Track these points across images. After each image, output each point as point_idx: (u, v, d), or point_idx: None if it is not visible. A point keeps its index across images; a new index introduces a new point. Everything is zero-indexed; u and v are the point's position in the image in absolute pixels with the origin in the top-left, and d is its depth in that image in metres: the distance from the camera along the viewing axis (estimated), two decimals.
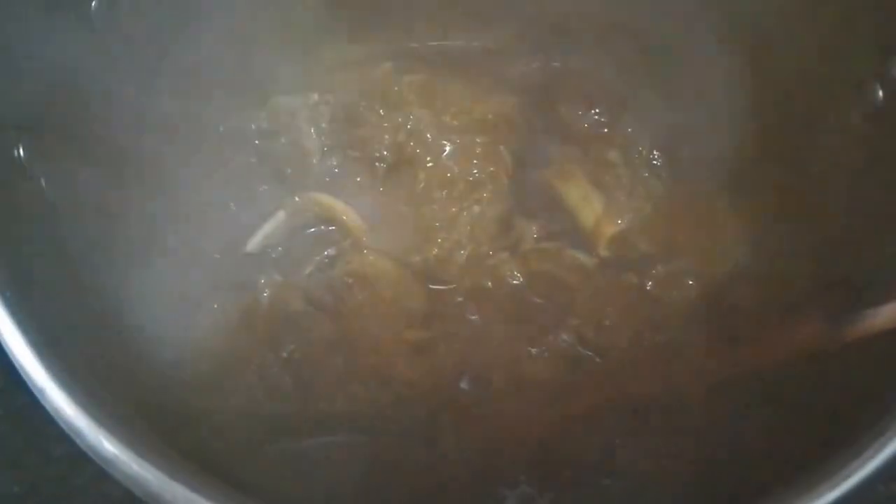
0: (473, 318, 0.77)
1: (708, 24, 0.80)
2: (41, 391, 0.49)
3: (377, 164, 0.83)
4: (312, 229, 0.81)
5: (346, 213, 0.80)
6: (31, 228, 0.60)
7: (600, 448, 0.69)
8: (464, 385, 0.73)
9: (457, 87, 0.87)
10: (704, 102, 0.81)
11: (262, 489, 0.52)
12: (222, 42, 0.80)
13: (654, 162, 0.84)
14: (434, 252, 0.79)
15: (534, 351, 0.74)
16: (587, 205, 0.81)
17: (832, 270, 0.67)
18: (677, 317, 0.75)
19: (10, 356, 0.50)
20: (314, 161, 0.83)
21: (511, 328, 0.76)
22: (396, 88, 0.87)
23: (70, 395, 0.49)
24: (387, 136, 0.84)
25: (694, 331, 0.74)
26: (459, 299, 0.78)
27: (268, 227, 0.80)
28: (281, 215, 0.80)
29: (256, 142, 0.84)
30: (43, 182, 0.63)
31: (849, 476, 0.48)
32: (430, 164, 0.82)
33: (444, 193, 0.81)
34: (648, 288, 0.77)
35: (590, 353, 0.74)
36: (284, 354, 0.73)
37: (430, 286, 0.78)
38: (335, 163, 0.83)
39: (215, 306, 0.74)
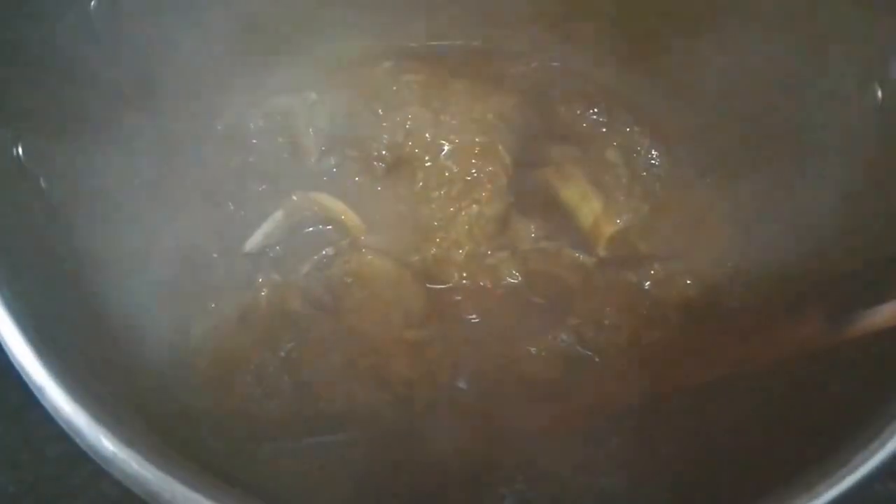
0: (472, 317, 0.77)
1: (707, 24, 0.80)
2: (40, 390, 0.49)
3: (375, 163, 0.83)
4: (310, 229, 0.81)
5: (345, 212, 0.80)
6: (30, 227, 0.60)
7: (597, 447, 0.69)
8: (462, 384, 0.73)
9: (455, 86, 0.87)
10: (703, 103, 0.82)
11: (261, 488, 0.52)
12: (221, 42, 0.80)
13: (653, 162, 0.84)
14: (432, 251, 0.79)
15: (532, 350, 0.74)
16: (586, 204, 0.81)
17: (831, 270, 0.67)
18: (676, 316, 0.75)
19: (9, 355, 0.50)
20: (312, 161, 0.83)
21: (510, 328, 0.76)
22: (395, 88, 0.87)
23: (69, 394, 0.49)
24: (385, 136, 0.84)
25: (692, 330, 0.74)
26: (458, 299, 0.78)
27: (266, 227, 0.80)
28: (279, 215, 0.80)
29: (255, 141, 0.84)
30: (42, 181, 0.63)
31: (847, 475, 0.48)
32: (428, 164, 0.82)
33: (442, 193, 0.81)
34: (647, 287, 0.77)
35: (588, 353, 0.74)
36: (283, 354, 0.73)
37: (429, 286, 0.78)
38: (333, 162, 0.84)
39: (213, 305, 0.74)
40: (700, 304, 0.76)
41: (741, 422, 0.66)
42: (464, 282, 0.78)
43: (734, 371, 0.62)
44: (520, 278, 0.78)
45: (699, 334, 0.73)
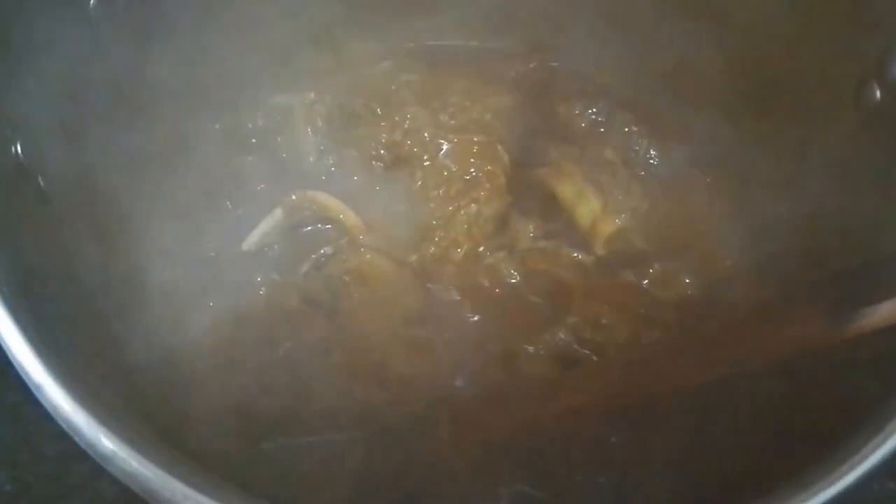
0: (470, 316, 0.77)
1: (707, 25, 0.80)
2: (39, 388, 0.49)
3: (374, 162, 0.83)
4: (309, 228, 0.81)
5: (343, 211, 0.80)
6: (29, 226, 0.60)
7: (597, 446, 0.69)
8: (460, 383, 0.73)
9: (454, 86, 0.87)
10: (701, 102, 0.82)
11: (259, 486, 0.52)
12: (219, 41, 0.80)
13: (651, 161, 0.84)
14: (431, 251, 0.79)
15: (531, 349, 0.74)
16: (584, 203, 0.81)
17: (830, 268, 0.67)
18: (674, 315, 0.75)
19: (8, 353, 0.50)
20: (311, 160, 0.84)
21: (507, 326, 0.76)
22: (394, 87, 0.87)
23: (68, 392, 0.49)
24: (384, 135, 0.84)
25: (691, 330, 0.74)
26: (456, 298, 0.78)
27: (264, 226, 0.80)
28: (278, 214, 0.80)
29: (253, 140, 0.84)
30: (40, 180, 0.63)
31: (847, 473, 0.48)
32: (427, 163, 0.82)
33: (441, 192, 0.81)
34: (645, 286, 0.77)
35: (587, 352, 0.74)
36: (281, 352, 0.73)
37: (427, 285, 0.78)
38: (332, 161, 0.84)
39: (212, 304, 0.74)
40: (698, 304, 0.76)
41: (740, 421, 0.66)
42: (462, 281, 0.78)
43: (733, 370, 0.62)
44: (518, 277, 0.78)
45: (698, 334, 0.74)
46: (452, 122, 0.84)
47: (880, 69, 0.66)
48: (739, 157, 0.80)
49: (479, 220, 0.80)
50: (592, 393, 0.69)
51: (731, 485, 0.58)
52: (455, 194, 0.81)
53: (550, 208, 0.83)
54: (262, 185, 0.82)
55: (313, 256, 0.79)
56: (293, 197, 0.80)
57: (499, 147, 0.83)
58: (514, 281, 0.78)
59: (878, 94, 0.66)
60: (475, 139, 0.83)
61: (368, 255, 0.78)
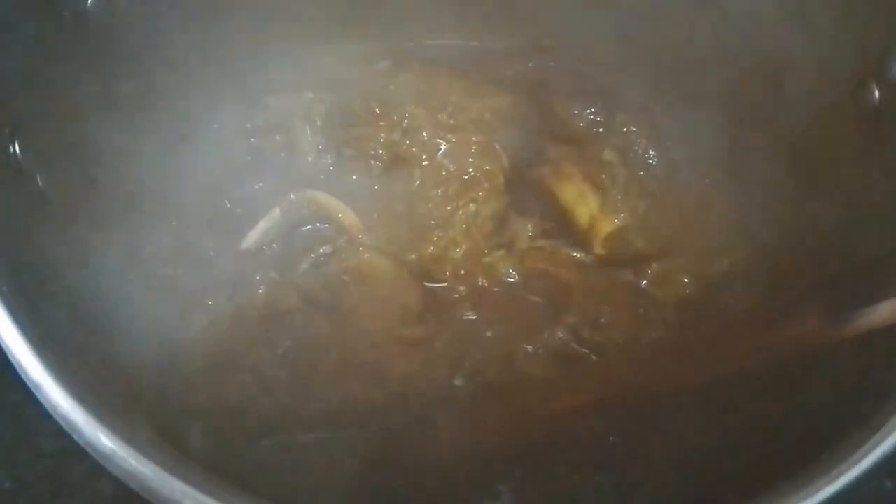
0: (469, 315, 0.77)
1: (706, 25, 0.80)
2: (37, 386, 0.49)
3: (373, 162, 0.83)
4: (308, 227, 0.81)
5: (342, 210, 0.80)
6: (27, 225, 0.60)
7: (596, 446, 0.69)
8: (459, 382, 0.73)
9: (453, 85, 0.87)
10: (700, 102, 0.82)
11: (258, 484, 0.52)
12: (218, 40, 0.80)
13: (650, 161, 0.84)
14: (430, 250, 0.79)
15: (529, 348, 0.74)
16: (583, 203, 0.81)
17: (828, 268, 0.67)
18: (673, 314, 0.75)
19: (7, 352, 0.50)
20: (309, 159, 0.83)
21: (506, 326, 0.76)
22: (392, 87, 0.87)
23: (67, 391, 0.49)
24: (382, 135, 0.84)
25: (690, 328, 0.74)
26: (455, 297, 0.78)
27: (263, 225, 0.80)
28: (276, 213, 0.80)
29: (252, 139, 0.84)
30: (38, 179, 0.63)
31: (844, 473, 0.48)
32: (425, 163, 0.82)
33: (439, 191, 0.81)
34: (644, 286, 0.77)
35: (585, 351, 0.74)
36: (280, 351, 0.73)
37: (426, 284, 0.79)
38: (330, 161, 0.83)
39: (210, 303, 0.74)
40: (697, 303, 0.76)
41: (737, 419, 0.66)
42: (461, 280, 0.79)
43: (730, 369, 0.62)
44: (517, 277, 0.79)
45: (696, 333, 0.74)
46: (451, 121, 0.84)
47: (880, 69, 0.66)
48: (738, 157, 0.80)
49: (477, 219, 0.80)
50: (591, 392, 0.69)
51: (731, 484, 0.58)
52: (454, 194, 0.81)
53: (549, 208, 0.83)
54: (261, 185, 0.82)
55: (312, 256, 0.78)
56: (292, 196, 0.80)
57: (497, 147, 0.83)
58: (512, 280, 0.78)
59: (877, 94, 0.66)
60: (474, 139, 0.83)
61: (367, 255, 0.78)
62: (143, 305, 0.67)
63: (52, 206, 0.64)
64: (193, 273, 0.75)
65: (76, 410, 0.48)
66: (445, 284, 0.78)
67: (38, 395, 0.49)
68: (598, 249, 0.80)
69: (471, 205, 0.80)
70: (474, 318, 0.77)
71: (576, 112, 0.87)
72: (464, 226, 0.80)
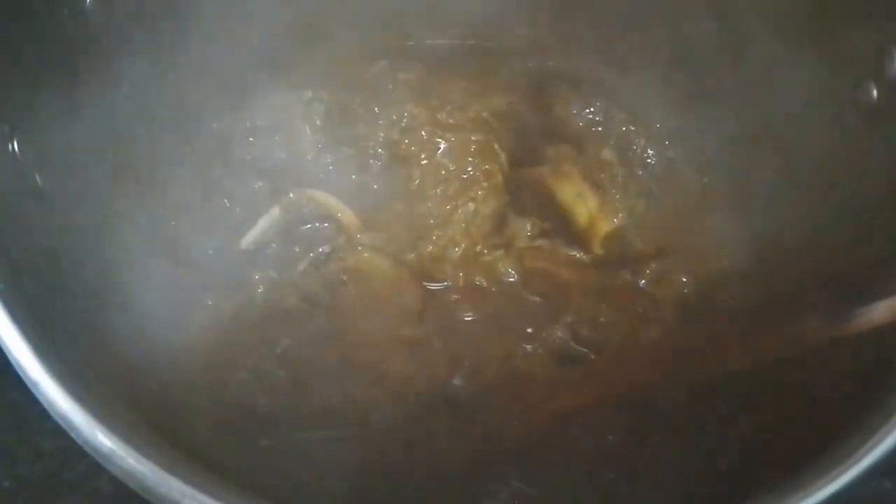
0: (468, 315, 0.77)
1: (705, 25, 0.80)
2: (36, 385, 0.49)
3: (372, 161, 0.83)
4: (307, 226, 0.81)
5: (341, 210, 0.80)
6: (26, 223, 0.60)
7: (593, 444, 0.69)
8: (457, 381, 0.73)
9: (452, 85, 0.87)
10: (699, 102, 0.82)
11: (257, 483, 0.52)
12: (217, 40, 0.80)
13: (649, 161, 0.84)
14: (429, 249, 0.79)
15: (528, 348, 0.74)
16: (582, 203, 0.81)
17: (827, 267, 0.67)
18: (671, 314, 0.75)
19: (6, 351, 0.50)
20: (309, 158, 0.83)
21: (505, 325, 0.76)
22: (391, 86, 0.87)
23: (65, 390, 0.49)
24: (381, 134, 0.84)
25: (688, 327, 0.74)
26: (454, 296, 0.78)
27: (262, 224, 0.80)
28: (275, 212, 0.80)
29: (251, 139, 0.84)
30: (38, 177, 0.63)
31: (844, 472, 0.48)
32: (424, 162, 0.82)
33: (438, 191, 0.81)
34: (642, 285, 0.77)
35: (584, 350, 0.74)
36: (279, 350, 0.73)
37: (425, 283, 0.79)
38: (330, 160, 0.83)
39: (210, 303, 0.74)
40: (696, 303, 0.76)
41: (736, 418, 0.66)
42: (460, 280, 0.79)
43: (729, 368, 0.62)
44: (516, 276, 0.79)
45: (695, 332, 0.74)
46: (450, 120, 0.84)
47: (878, 69, 0.66)
48: (737, 156, 0.80)
49: (476, 218, 0.80)
50: (590, 391, 0.69)
51: (730, 484, 0.58)
52: (452, 193, 0.81)
53: (548, 207, 0.83)
54: (260, 184, 0.82)
55: (311, 255, 0.79)
56: (291, 195, 0.80)
57: (496, 146, 0.84)
58: (511, 280, 0.78)
59: (875, 93, 0.66)
60: (473, 138, 0.83)
61: (366, 254, 0.78)
62: (143, 305, 0.67)
63: (53, 205, 0.64)
64: (193, 272, 0.75)
65: (75, 409, 0.48)
66: (444, 284, 0.79)
67: (36, 394, 0.49)
68: (597, 249, 0.80)
69: (470, 204, 0.81)
70: (473, 317, 0.77)
71: (574, 111, 0.87)
72: (463, 225, 0.80)
